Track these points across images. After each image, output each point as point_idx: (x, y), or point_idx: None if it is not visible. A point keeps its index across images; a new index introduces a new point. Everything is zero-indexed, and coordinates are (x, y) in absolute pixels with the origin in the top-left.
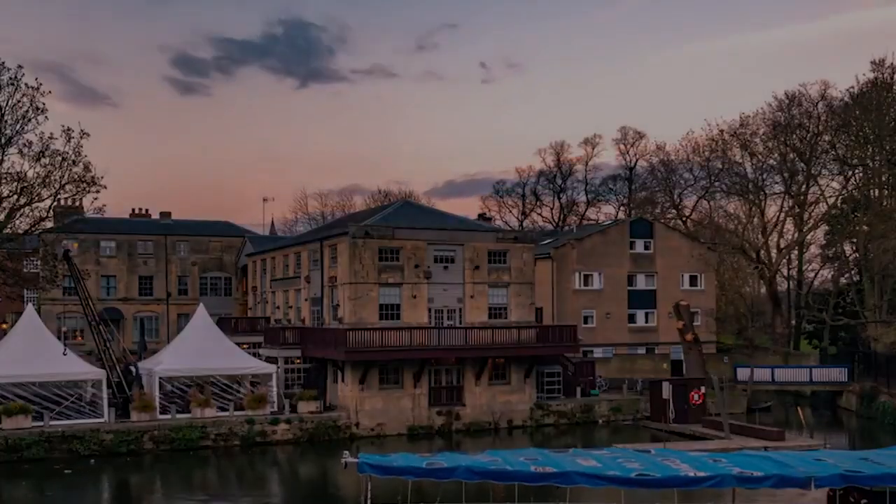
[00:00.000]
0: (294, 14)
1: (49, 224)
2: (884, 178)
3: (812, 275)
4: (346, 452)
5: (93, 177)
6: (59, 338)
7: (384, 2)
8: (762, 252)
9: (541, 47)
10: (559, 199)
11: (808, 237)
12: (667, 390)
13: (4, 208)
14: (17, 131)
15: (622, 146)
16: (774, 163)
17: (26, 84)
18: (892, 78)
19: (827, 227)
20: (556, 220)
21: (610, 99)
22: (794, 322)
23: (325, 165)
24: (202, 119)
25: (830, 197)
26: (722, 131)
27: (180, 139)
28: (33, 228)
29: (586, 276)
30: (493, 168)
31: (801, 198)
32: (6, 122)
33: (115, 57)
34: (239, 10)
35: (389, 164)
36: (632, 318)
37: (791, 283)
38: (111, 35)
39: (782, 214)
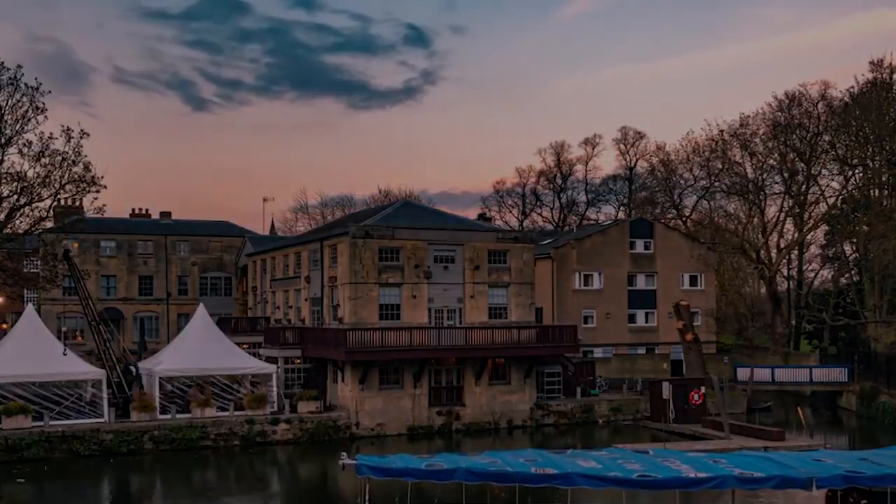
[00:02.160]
0: (293, 41)
1: (49, 224)
2: (884, 178)
3: (812, 275)
4: (344, 454)
5: (93, 177)
6: (59, 338)
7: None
8: (762, 252)
9: (540, 48)
10: (559, 199)
11: (808, 237)
12: (667, 390)
13: (4, 208)
14: (16, 131)
15: (622, 146)
16: (774, 163)
17: (26, 84)
18: (891, 78)
19: (827, 227)
20: (557, 221)
21: (610, 99)
22: (794, 322)
23: (324, 172)
24: (203, 126)
25: (830, 197)
26: (722, 131)
27: (180, 141)
28: (33, 228)
29: (586, 276)
30: (474, 181)
31: (801, 198)
32: (6, 121)
33: (116, 78)
34: (241, 47)
35: (386, 173)
36: (632, 318)
37: (791, 283)
38: (112, 50)
39: (782, 214)
